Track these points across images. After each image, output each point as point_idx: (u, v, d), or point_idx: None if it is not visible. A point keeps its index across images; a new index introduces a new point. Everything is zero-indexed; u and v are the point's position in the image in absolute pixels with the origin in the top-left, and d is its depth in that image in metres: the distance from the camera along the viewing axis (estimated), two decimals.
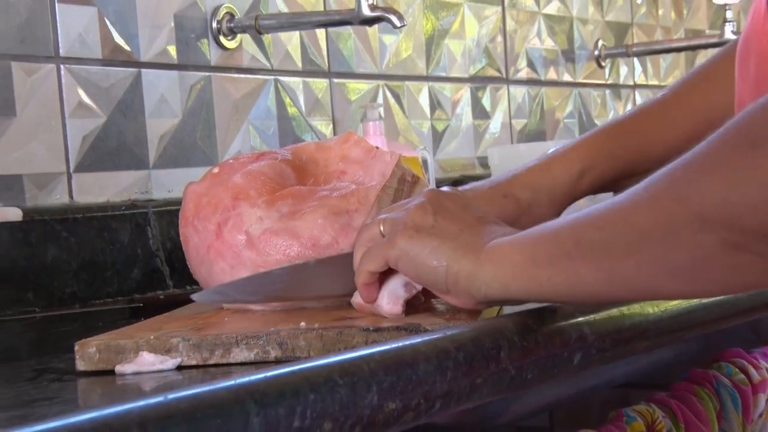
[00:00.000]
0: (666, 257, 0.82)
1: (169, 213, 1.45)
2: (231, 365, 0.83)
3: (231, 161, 1.07)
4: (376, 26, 1.72)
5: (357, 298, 0.94)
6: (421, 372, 0.72)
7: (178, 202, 1.43)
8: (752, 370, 1.23)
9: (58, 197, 1.35)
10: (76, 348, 0.85)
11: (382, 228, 0.91)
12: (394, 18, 1.52)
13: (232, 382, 0.63)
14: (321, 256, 1.00)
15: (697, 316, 1.06)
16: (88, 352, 0.85)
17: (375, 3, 1.52)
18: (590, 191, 1.20)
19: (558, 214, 1.18)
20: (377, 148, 1.06)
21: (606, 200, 0.88)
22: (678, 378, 1.20)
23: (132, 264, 1.40)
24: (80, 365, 0.85)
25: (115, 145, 1.42)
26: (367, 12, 1.51)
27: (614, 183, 1.20)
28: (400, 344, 0.74)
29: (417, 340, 0.76)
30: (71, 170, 1.37)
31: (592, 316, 0.90)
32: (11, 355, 1.05)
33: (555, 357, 0.85)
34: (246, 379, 0.63)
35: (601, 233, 0.84)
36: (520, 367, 0.81)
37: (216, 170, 1.05)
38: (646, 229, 0.82)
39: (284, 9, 1.66)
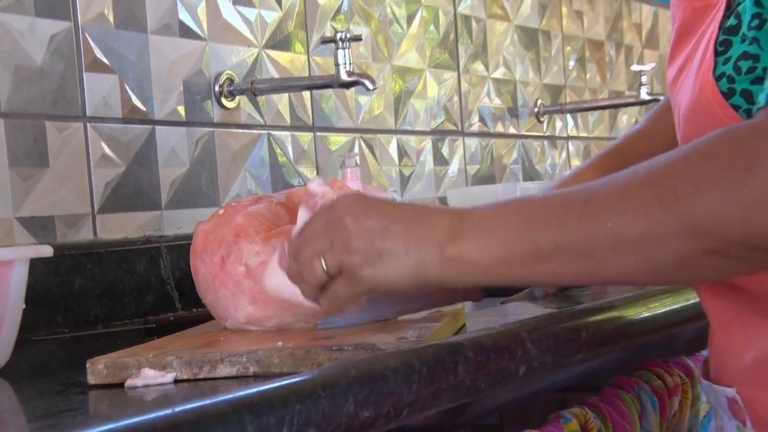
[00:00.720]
0: (651, 261, 0.81)
1: (179, 247, 1.44)
2: (217, 379, 0.82)
3: (234, 204, 1.06)
4: (352, 88, 1.72)
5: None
6: (391, 384, 0.71)
7: (186, 238, 1.44)
8: (668, 377, 1.23)
9: (84, 234, 1.34)
10: (88, 365, 0.85)
11: (324, 264, 0.84)
12: (367, 82, 1.52)
13: (231, 396, 0.63)
14: None
15: (623, 331, 1.06)
16: (97, 369, 0.85)
17: (351, 69, 1.52)
18: None
19: None
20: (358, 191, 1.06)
21: (571, 199, 0.85)
22: (606, 383, 1.19)
23: (146, 290, 1.39)
24: (91, 380, 0.85)
25: (132, 190, 1.41)
26: (345, 77, 1.51)
27: None
28: (373, 361, 0.74)
29: (387, 356, 0.75)
30: (95, 212, 1.36)
31: (535, 335, 0.89)
32: (43, 370, 1.04)
33: (504, 369, 0.84)
34: (242, 392, 0.63)
35: (584, 239, 0.82)
36: (475, 378, 0.80)
37: (221, 212, 1.05)
38: (633, 238, 0.80)
39: (275, 74, 1.66)
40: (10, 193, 1.26)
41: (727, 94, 0.87)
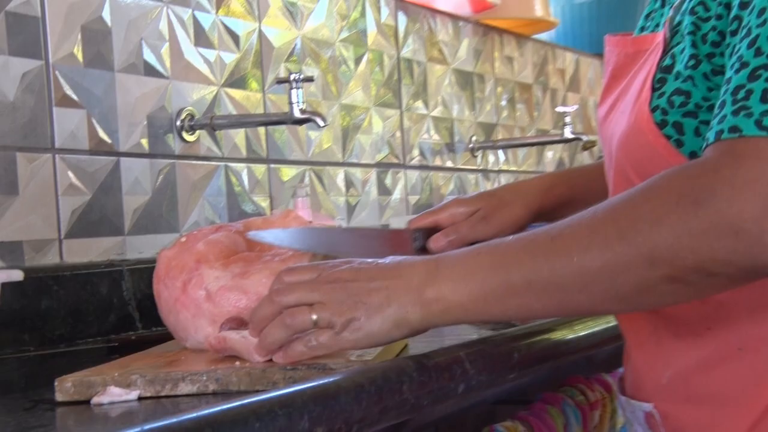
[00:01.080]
0: (615, 290, 0.82)
1: (140, 270, 1.42)
2: (179, 396, 0.82)
3: (195, 232, 1.06)
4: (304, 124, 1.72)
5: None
6: (342, 402, 0.72)
7: (147, 262, 1.43)
8: (589, 392, 1.25)
9: (51, 258, 1.32)
10: (56, 383, 0.84)
11: (314, 317, 0.83)
12: (318, 119, 1.51)
13: (195, 414, 0.62)
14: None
15: (550, 352, 1.08)
16: (65, 386, 0.84)
17: (304, 108, 1.51)
18: (553, 207, 1.20)
19: (529, 216, 1.19)
20: (310, 222, 1.06)
21: (539, 239, 0.85)
22: (534, 398, 1.20)
23: (109, 311, 1.37)
24: (58, 397, 0.84)
25: (97, 217, 1.39)
26: (298, 115, 1.51)
27: (569, 204, 1.20)
28: (325, 381, 0.73)
29: (338, 377, 0.75)
30: (62, 237, 1.34)
31: (472, 356, 0.89)
32: (11, 387, 1.03)
33: (444, 388, 0.85)
34: (206, 411, 0.63)
35: (553, 273, 0.82)
36: (418, 396, 0.80)
37: (183, 239, 1.05)
38: (598, 269, 0.81)
39: (233, 111, 1.65)
40: None
41: (660, 125, 0.89)
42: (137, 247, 1.45)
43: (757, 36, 0.79)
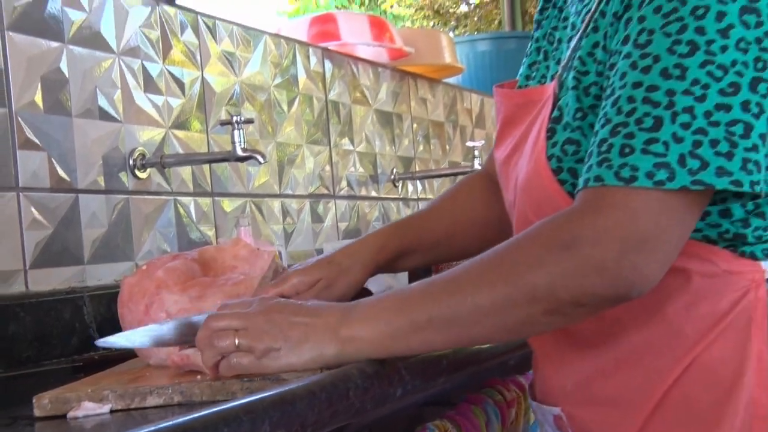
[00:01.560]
0: (504, 324, 0.84)
1: (99, 296, 1.40)
2: (147, 408, 0.82)
3: (155, 260, 1.05)
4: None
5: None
6: (298, 408, 0.73)
7: (106, 288, 1.41)
8: (506, 392, 1.26)
9: (17, 287, 1.30)
10: (34, 400, 0.83)
11: (237, 341, 0.84)
12: (259, 157, 1.52)
13: (168, 423, 0.63)
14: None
15: (473, 358, 1.08)
16: (42, 403, 0.83)
17: (245, 146, 1.52)
18: (388, 262, 1.18)
19: (367, 276, 1.16)
20: (258, 249, 1.06)
21: (437, 282, 0.87)
22: (459, 399, 1.21)
23: (72, 334, 1.35)
24: (37, 412, 0.83)
25: (59, 249, 1.37)
26: (240, 153, 1.51)
27: (402, 256, 1.19)
28: (282, 389, 0.74)
29: (293, 386, 0.76)
30: (27, 267, 1.32)
31: (407, 364, 0.90)
32: None
33: (384, 392, 0.86)
34: (179, 419, 0.63)
35: (451, 311, 0.83)
36: (363, 401, 0.81)
37: (144, 267, 1.04)
38: (489, 307, 0.82)
39: (180, 150, 1.64)
40: None
41: (556, 171, 0.90)
42: (96, 275, 1.44)
43: (619, 96, 0.81)
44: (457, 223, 1.22)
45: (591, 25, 0.91)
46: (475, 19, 4.85)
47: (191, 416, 0.63)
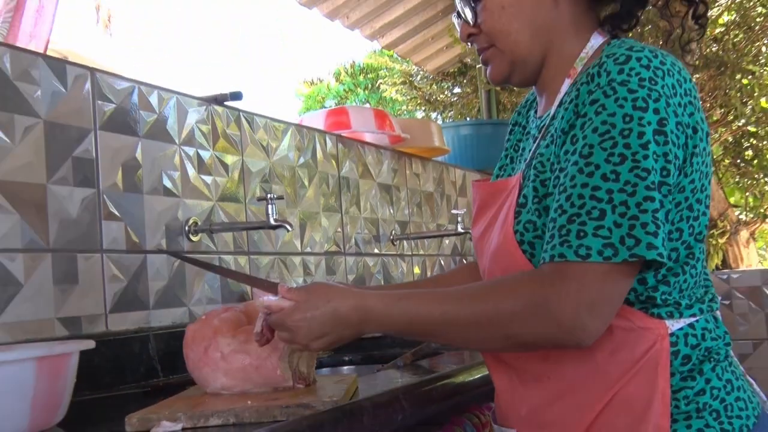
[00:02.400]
0: (482, 346, 0.92)
1: (161, 335, 1.44)
2: (209, 428, 0.86)
3: (212, 312, 1.09)
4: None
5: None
6: (326, 429, 0.79)
7: (166, 328, 1.46)
8: (482, 416, 1.29)
9: (99, 327, 1.34)
10: (126, 419, 0.88)
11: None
12: (287, 225, 1.58)
13: None
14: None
15: (457, 389, 1.13)
16: (132, 421, 0.88)
17: (276, 217, 1.57)
18: None
19: None
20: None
21: (435, 313, 0.89)
22: (446, 421, 1.23)
23: (140, 364, 1.40)
24: (128, 429, 0.88)
25: (131, 297, 1.42)
26: (272, 222, 1.57)
27: None
28: (315, 414, 0.82)
29: (321, 413, 0.81)
30: (107, 312, 1.37)
31: (407, 395, 0.94)
32: (89, 422, 1.03)
33: (390, 418, 0.91)
34: None
35: (446, 338, 0.90)
36: (373, 424, 0.87)
37: (204, 317, 1.07)
38: (475, 341, 0.89)
39: (225, 219, 1.68)
40: (53, 301, 1.27)
41: (520, 243, 0.95)
42: (159, 318, 1.49)
43: (571, 194, 0.87)
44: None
45: (547, 137, 0.96)
46: (459, 106, 4.96)
47: None
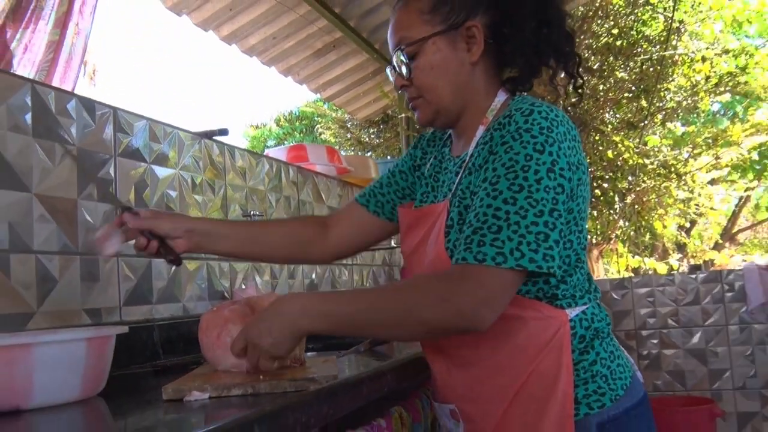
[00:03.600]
0: (400, 335, 0.88)
1: (162, 325, 1.40)
2: (231, 397, 0.83)
3: (222, 304, 1.05)
4: None
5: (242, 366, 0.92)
6: (322, 398, 0.79)
7: (167, 319, 1.43)
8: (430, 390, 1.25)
9: (115, 318, 1.31)
10: (163, 389, 0.85)
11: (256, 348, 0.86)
12: None
13: (272, 408, 0.69)
14: None
15: (414, 370, 1.10)
16: (168, 391, 0.85)
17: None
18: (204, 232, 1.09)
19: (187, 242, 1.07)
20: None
21: (362, 302, 0.85)
22: (407, 395, 1.21)
23: (146, 348, 1.36)
24: (164, 396, 0.85)
25: (140, 294, 1.38)
26: None
27: (215, 236, 1.10)
28: (318, 387, 0.81)
29: (325, 385, 0.81)
30: (121, 305, 1.34)
31: (392, 371, 0.93)
32: (125, 393, 0.97)
33: (376, 388, 0.91)
34: (287, 403, 0.69)
35: (363, 318, 0.85)
36: (367, 394, 0.86)
37: (215, 308, 1.04)
38: (392, 326, 0.85)
39: None
40: (80, 295, 1.24)
41: (450, 257, 0.93)
42: (160, 311, 1.45)
43: (478, 212, 0.86)
44: (275, 234, 1.15)
45: (466, 170, 0.97)
46: (383, 147, 5.04)
47: (276, 404, 0.70)
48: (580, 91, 1.00)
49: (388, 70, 1.03)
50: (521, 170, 0.85)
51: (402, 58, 0.98)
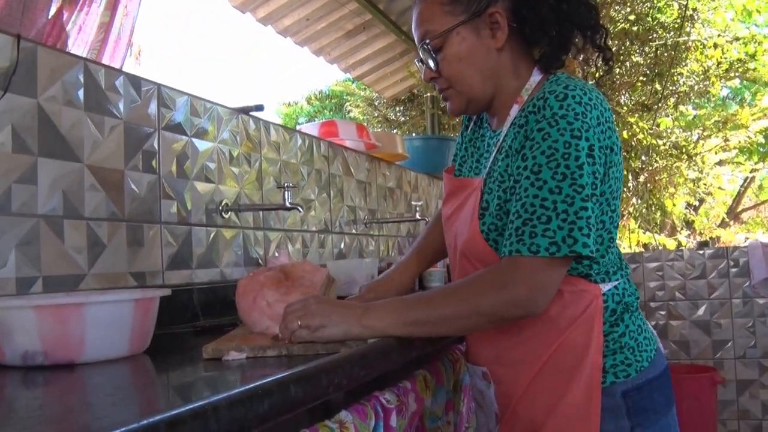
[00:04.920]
0: (462, 327, 0.87)
1: (201, 289, 1.41)
2: (266, 357, 0.82)
3: (258, 270, 1.05)
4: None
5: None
6: (352, 362, 0.78)
7: (205, 283, 1.43)
8: (453, 355, 1.21)
9: (158, 281, 1.31)
10: (203, 348, 0.84)
11: (299, 322, 0.84)
12: (299, 207, 1.56)
13: (306, 367, 0.67)
14: None
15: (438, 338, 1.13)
16: (207, 350, 0.85)
17: (291, 201, 1.55)
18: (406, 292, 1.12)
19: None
20: (318, 266, 1.05)
21: (422, 299, 0.86)
22: (430, 359, 1.15)
23: (187, 310, 1.37)
24: (205, 355, 0.84)
25: (181, 259, 1.39)
26: (288, 204, 1.55)
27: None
28: (348, 352, 0.79)
29: (353, 351, 0.79)
30: (164, 270, 1.34)
31: (411, 339, 0.88)
32: (167, 351, 0.96)
33: (403, 354, 0.88)
34: (315, 363, 0.68)
35: (428, 317, 0.86)
36: (395, 359, 0.85)
37: (251, 274, 1.03)
38: (452, 317, 0.85)
39: (247, 202, 1.64)
40: (126, 259, 1.25)
41: (486, 239, 0.93)
42: (199, 276, 1.46)
43: (525, 202, 0.86)
44: (437, 250, 1.19)
45: (502, 152, 0.95)
46: (409, 125, 5.00)
47: (303, 367, 0.69)
48: (610, 63, 0.97)
49: (416, 63, 1.00)
50: (562, 158, 0.84)
51: (428, 51, 0.95)
